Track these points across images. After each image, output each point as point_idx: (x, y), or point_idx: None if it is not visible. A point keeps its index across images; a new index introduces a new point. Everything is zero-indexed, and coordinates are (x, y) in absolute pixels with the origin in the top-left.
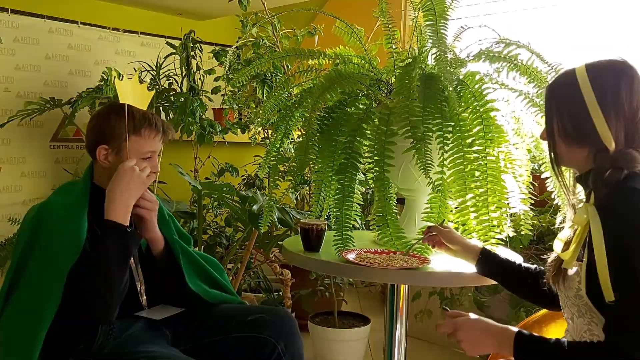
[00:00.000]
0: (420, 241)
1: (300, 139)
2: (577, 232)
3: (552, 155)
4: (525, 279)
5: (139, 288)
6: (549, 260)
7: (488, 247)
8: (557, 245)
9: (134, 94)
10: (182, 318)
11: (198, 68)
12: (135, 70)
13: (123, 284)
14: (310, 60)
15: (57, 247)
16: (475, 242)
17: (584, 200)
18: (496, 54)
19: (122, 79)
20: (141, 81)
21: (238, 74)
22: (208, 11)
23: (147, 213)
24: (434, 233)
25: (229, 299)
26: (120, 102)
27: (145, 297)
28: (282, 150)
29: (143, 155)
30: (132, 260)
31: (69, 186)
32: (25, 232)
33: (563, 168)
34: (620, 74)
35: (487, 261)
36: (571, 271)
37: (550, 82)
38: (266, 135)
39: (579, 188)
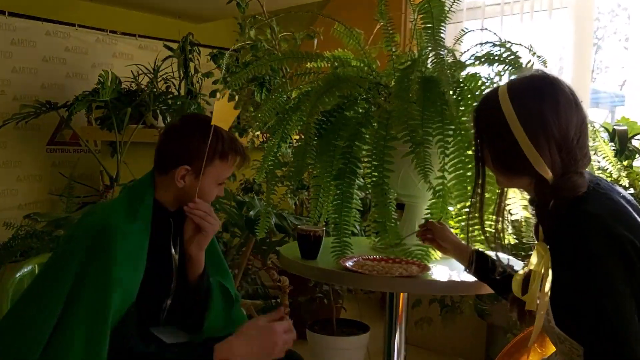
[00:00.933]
0: (416, 235)
1: (299, 143)
2: (533, 274)
3: (480, 181)
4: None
5: (165, 302)
6: (510, 297)
7: (481, 250)
8: (515, 285)
9: (223, 114)
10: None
11: (196, 71)
12: (133, 74)
13: None
14: (309, 63)
15: (109, 289)
16: None
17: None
18: (497, 57)
19: (219, 98)
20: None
21: (235, 76)
22: (206, 14)
23: (209, 227)
24: (428, 228)
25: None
26: (213, 122)
27: (165, 314)
28: (279, 155)
29: (220, 181)
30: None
31: (132, 201)
32: (80, 252)
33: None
34: (543, 96)
35: (479, 263)
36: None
37: (475, 107)
38: (265, 139)
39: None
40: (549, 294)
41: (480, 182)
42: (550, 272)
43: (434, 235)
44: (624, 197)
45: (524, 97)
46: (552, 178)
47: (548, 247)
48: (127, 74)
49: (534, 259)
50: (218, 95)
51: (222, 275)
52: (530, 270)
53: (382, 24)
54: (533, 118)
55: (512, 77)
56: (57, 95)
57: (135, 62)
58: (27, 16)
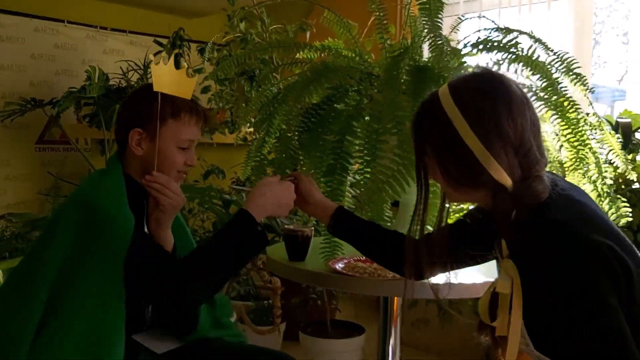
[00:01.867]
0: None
1: (278, 136)
2: (501, 298)
3: (422, 197)
4: (385, 247)
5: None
6: (478, 322)
7: (346, 207)
8: (481, 307)
9: (170, 82)
10: (181, 353)
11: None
12: (123, 70)
13: (222, 283)
14: (299, 54)
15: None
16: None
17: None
18: (496, 43)
19: (158, 63)
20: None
21: (220, 67)
22: (198, 8)
23: (166, 202)
24: (292, 178)
25: (230, 333)
26: (156, 89)
27: (150, 313)
28: (266, 152)
29: (180, 144)
30: None
31: (100, 180)
32: (71, 230)
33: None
34: (492, 95)
35: (342, 222)
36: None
37: (414, 116)
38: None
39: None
40: (520, 319)
41: (422, 200)
42: (519, 292)
43: (300, 188)
44: (583, 194)
45: (471, 98)
46: (511, 185)
47: (514, 263)
48: (117, 71)
49: (500, 279)
50: (153, 58)
51: None
52: (494, 292)
53: (376, 15)
54: (484, 120)
55: (451, 79)
56: (46, 93)
57: (126, 58)
58: (15, 12)
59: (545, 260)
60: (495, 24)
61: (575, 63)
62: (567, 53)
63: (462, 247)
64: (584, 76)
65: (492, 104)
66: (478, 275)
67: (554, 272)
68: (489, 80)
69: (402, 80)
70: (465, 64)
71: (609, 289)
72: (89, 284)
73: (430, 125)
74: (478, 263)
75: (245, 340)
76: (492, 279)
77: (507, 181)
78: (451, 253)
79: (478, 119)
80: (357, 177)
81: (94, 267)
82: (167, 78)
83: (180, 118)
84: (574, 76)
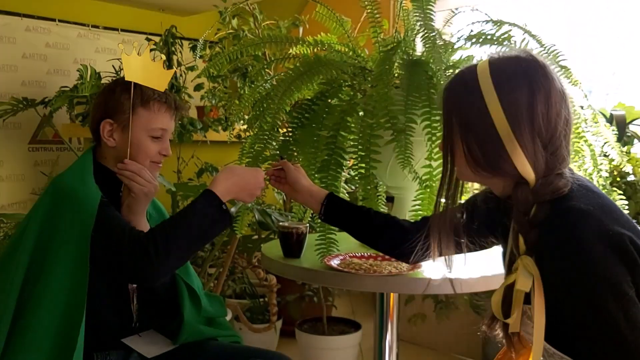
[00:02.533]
0: (265, 174)
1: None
2: (517, 295)
3: (445, 179)
4: (379, 232)
5: (131, 295)
6: (486, 317)
7: (335, 194)
8: (494, 304)
9: (144, 72)
10: (174, 356)
11: (179, 64)
12: (115, 69)
13: (188, 254)
14: (291, 49)
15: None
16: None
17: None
18: (489, 36)
19: (130, 53)
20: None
21: (214, 61)
22: (190, 6)
23: (137, 189)
24: (280, 168)
25: (224, 333)
26: (127, 78)
27: (136, 310)
28: (259, 148)
29: (152, 133)
30: None
31: (69, 166)
32: (41, 212)
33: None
34: (534, 82)
35: (333, 208)
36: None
37: (447, 83)
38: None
39: None
40: (543, 316)
41: (447, 174)
42: (540, 289)
43: (286, 177)
44: (594, 185)
45: (510, 80)
46: (534, 180)
47: (533, 259)
48: (110, 69)
49: (520, 276)
50: (123, 48)
51: None
52: (509, 288)
53: (369, 10)
54: (519, 107)
55: (492, 54)
56: (38, 93)
57: (118, 56)
58: (5, 12)
59: (565, 249)
60: (488, 16)
61: (560, 55)
62: (554, 45)
63: (473, 228)
64: (569, 68)
65: (530, 92)
66: (475, 270)
67: (574, 261)
68: (532, 67)
69: (395, 75)
70: (462, 58)
71: (627, 281)
72: (58, 267)
73: (462, 96)
74: (485, 248)
75: (241, 339)
76: (489, 274)
77: (530, 175)
78: (465, 232)
79: (512, 104)
80: (351, 172)
81: (62, 245)
82: (139, 68)
83: (150, 107)
84: (559, 69)
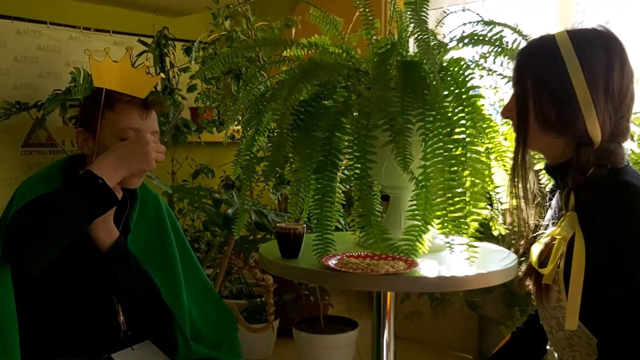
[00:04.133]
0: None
1: (272, 135)
2: (557, 244)
3: (521, 141)
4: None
5: (117, 308)
6: (523, 268)
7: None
8: (534, 254)
9: (121, 78)
10: None
11: (172, 66)
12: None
13: (60, 242)
14: (285, 51)
15: None
16: None
17: (553, 201)
18: (480, 37)
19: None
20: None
21: (205, 67)
22: (182, 7)
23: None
24: None
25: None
26: (96, 84)
27: (123, 319)
28: (255, 150)
29: (121, 135)
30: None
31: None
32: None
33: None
34: (612, 52)
35: None
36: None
37: (523, 47)
38: (244, 134)
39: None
40: (582, 272)
41: (521, 146)
42: (582, 244)
43: None
44: None
45: (589, 46)
46: (599, 143)
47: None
48: None
49: (563, 228)
50: (91, 53)
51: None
52: (551, 242)
53: (361, 10)
54: (598, 70)
55: (566, 28)
56: (30, 96)
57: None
58: None
59: (615, 218)
60: (479, 16)
61: None
62: None
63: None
64: None
65: (608, 58)
66: (470, 267)
67: (621, 231)
68: (610, 38)
69: (392, 77)
70: (461, 58)
71: None
72: None
73: (542, 60)
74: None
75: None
76: (484, 271)
77: (598, 137)
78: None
79: (591, 68)
80: (347, 172)
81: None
82: (114, 75)
83: (114, 108)
84: None
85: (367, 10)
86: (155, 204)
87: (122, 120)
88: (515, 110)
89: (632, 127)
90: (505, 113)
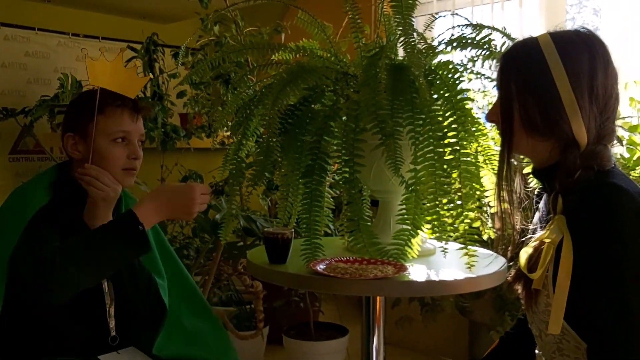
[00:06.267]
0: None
1: (260, 140)
2: (546, 248)
3: (506, 144)
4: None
5: (107, 308)
6: (512, 272)
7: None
8: (522, 258)
9: (113, 78)
10: None
11: (161, 72)
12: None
13: (87, 280)
14: (274, 55)
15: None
16: None
17: (540, 204)
18: (469, 40)
19: (93, 57)
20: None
21: (193, 71)
22: (172, 13)
23: (95, 193)
24: None
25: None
26: (92, 82)
27: (114, 322)
28: (242, 154)
29: (113, 136)
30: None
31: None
32: None
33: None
34: (595, 53)
35: None
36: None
37: (506, 51)
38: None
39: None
40: (569, 275)
41: (506, 149)
42: (570, 248)
43: None
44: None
45: (572, 48)
46: (585, 145)
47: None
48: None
49: (552, 232)
50: (87, 52)
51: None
52: (540, 247)
53: (350, 15)
54: (582, 72)
55: (550, 31)
56: (18, 102)
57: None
58: None
59: (601, 221)
60: (468, 21)
61: None
62: None
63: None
64: None
65: (591, 60)
66: (459, 272)
67: (606, 233)
68: (592, 39)
69: (381, 80)
70: (449, 62)
71: None
72: None
73: (525, 63)
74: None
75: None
76: (473, 275)
77: (583, 139)
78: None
79: (575, 69)
80: (336, 177)
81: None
82: (107, 74)
83: (106, 112)
84: None
85: (355, 15)
86: None
87: (114, 123)
88: (500, 114)
89: (621, 132)
90: (491, 117)
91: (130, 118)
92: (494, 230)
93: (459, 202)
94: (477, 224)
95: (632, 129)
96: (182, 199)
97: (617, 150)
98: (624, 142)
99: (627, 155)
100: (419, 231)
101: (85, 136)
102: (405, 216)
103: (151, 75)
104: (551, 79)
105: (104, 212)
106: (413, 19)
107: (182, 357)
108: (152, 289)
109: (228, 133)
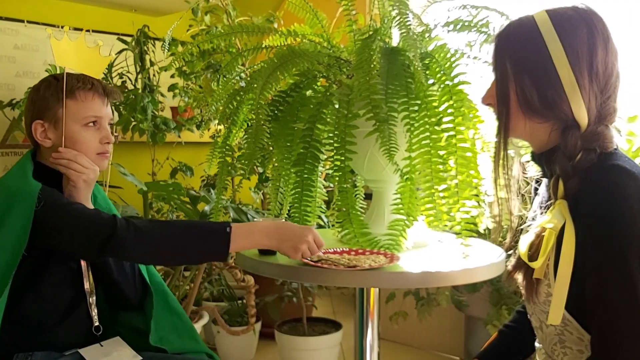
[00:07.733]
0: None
1: (249, 127)
2: (547, 235)
3: (503, 127)
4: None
5: (87, 297)
6: (512, 261)
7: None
8: (523, 246)
9: (78, 58)
10: None
11: (152, 64)
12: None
13: (163, 259)
14: (265, 40)
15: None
16: None
17: (540, 189)
18: (466, 23)
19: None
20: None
21: (184, 51)
22: (163, 6)
23: (74, 175)
24: None
25: (195, 347)
26: (57, 64)
27: (96, 310)
28: (234, 144)
29: (85, 121)
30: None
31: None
32: None
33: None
34: (594, 29)
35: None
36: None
37: (501, 30)
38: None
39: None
40: (571, 261)
41: (503, 133)
42: (572, 232)
43: None
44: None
45: (572, 25)
46: (585, 126)
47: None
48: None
49: (553, 217)
50: (52, 32)
51: None
52: (541, 233)
53: (344, 5)
54: (580, 50)
55: (546, 8)
56: (6, 95)
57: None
58: None
59: (604, 203)
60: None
61: None
62: None
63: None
64: None
65: (590, 36)
66: (455, 263)
67: (610, 216)
68: (591, 14)
69: (375, 63)
70: (445, 45)
71: None
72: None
73: (521, 41)
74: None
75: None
76: (470, 266)
77: (584, 119)
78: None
79: (573, 46)
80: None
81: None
82: (72, 55)
83: (76, 96)
84: None
85: (349, 4)
86: (105, 202)
87: (85, 108)
88: (496, 96)
89: (618, 124)
90: (486, 99)
91: (102, 102)
92: (491, 218)
93: (455, 190)
94: (474, 213)
95: (631, 119)
96: (295, 237)
97: (615, 141)
98: (622, 133)
99: (626, 147)
100: (414, 221)
101: (56, 122)
102: (400, 205)
103: (115, 55)
104: (549, 56)
105: (85, 193)
106: (408, 1)
107: (178, 351)
108: (136, 272)
109: (220, 127)
